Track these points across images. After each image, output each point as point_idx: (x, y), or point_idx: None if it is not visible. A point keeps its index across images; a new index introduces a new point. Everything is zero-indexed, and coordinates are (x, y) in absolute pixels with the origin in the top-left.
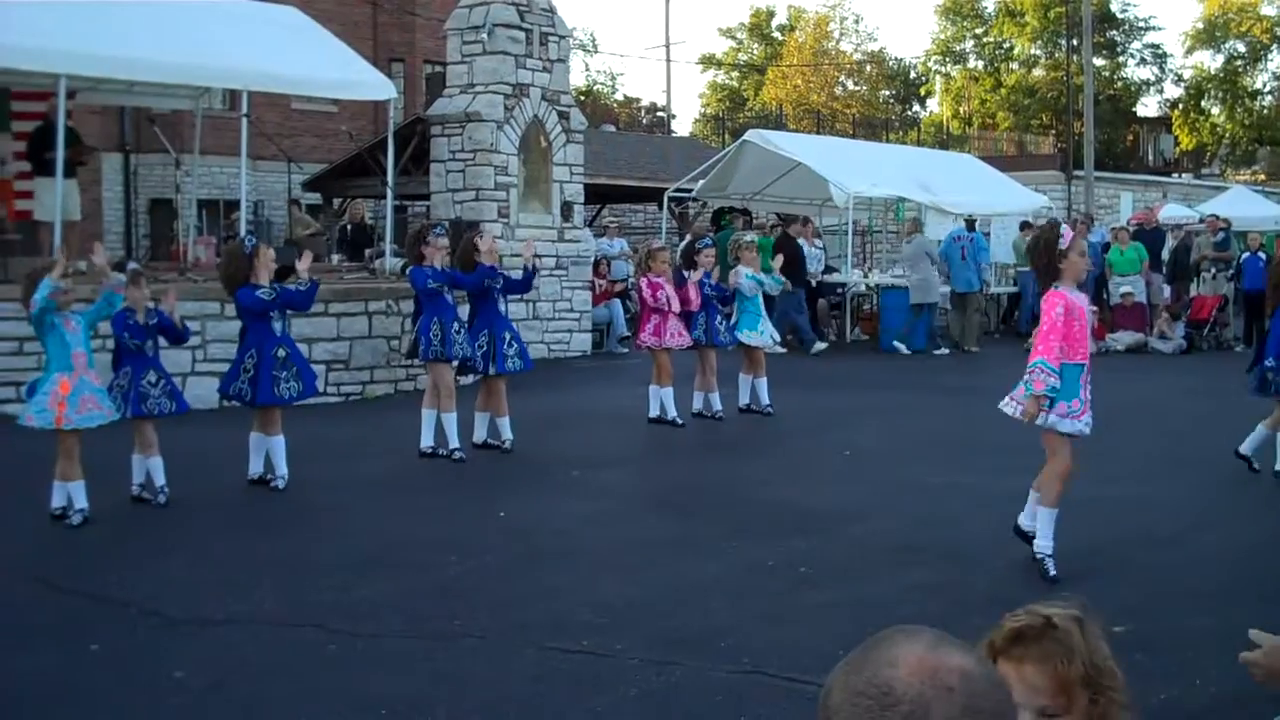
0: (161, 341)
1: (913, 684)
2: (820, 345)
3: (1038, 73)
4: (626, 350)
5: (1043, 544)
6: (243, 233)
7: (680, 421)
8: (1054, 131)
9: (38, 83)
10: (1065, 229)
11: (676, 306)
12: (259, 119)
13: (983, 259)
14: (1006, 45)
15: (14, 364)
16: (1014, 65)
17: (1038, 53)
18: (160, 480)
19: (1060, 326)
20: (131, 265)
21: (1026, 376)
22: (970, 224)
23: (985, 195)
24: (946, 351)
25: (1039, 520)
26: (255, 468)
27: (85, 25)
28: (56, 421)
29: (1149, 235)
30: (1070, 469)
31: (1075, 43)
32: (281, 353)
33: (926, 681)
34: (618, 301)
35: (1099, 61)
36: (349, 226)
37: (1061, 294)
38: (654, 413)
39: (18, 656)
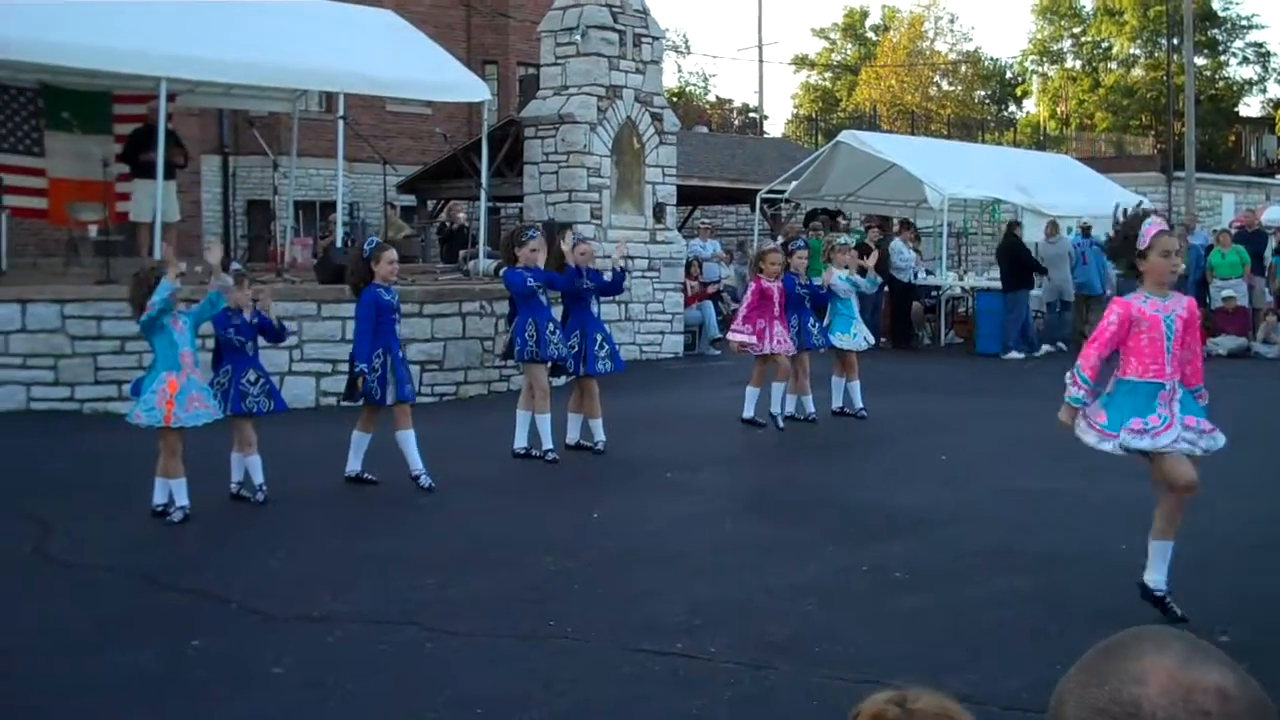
0: (260, 340)
1: (1162, 705)
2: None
3: (1137, 72)
4: (719, 352)
5: (1154, 578)
6: (339, 236)
7: (780, 424)
8: (1153, 132)
9: (138, 86)
10: (1151, 222)
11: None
12: (354, 121)
13: (1106, 262)
14: (1105, 44)
15: (117, 363)
16: (1113, 65)
17: (1137, 52)
18: (259, 478)
19: (1110, 336)
20: (235, 266)
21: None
22: (1086, 230)
23: (1083, 197)
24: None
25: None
26: (354, 465)
27: (185, 29)
28: (165, 419)
29: (1251, 238)
30: (1183, 488)
31: (1176, 41)
32: (402, 353)
33: (1179, 703)
34: (709, 303)
35: (1200, 60)
36: (449, 226)
37: (1126, 302)
38: (749, 413)
39: (120, 651)
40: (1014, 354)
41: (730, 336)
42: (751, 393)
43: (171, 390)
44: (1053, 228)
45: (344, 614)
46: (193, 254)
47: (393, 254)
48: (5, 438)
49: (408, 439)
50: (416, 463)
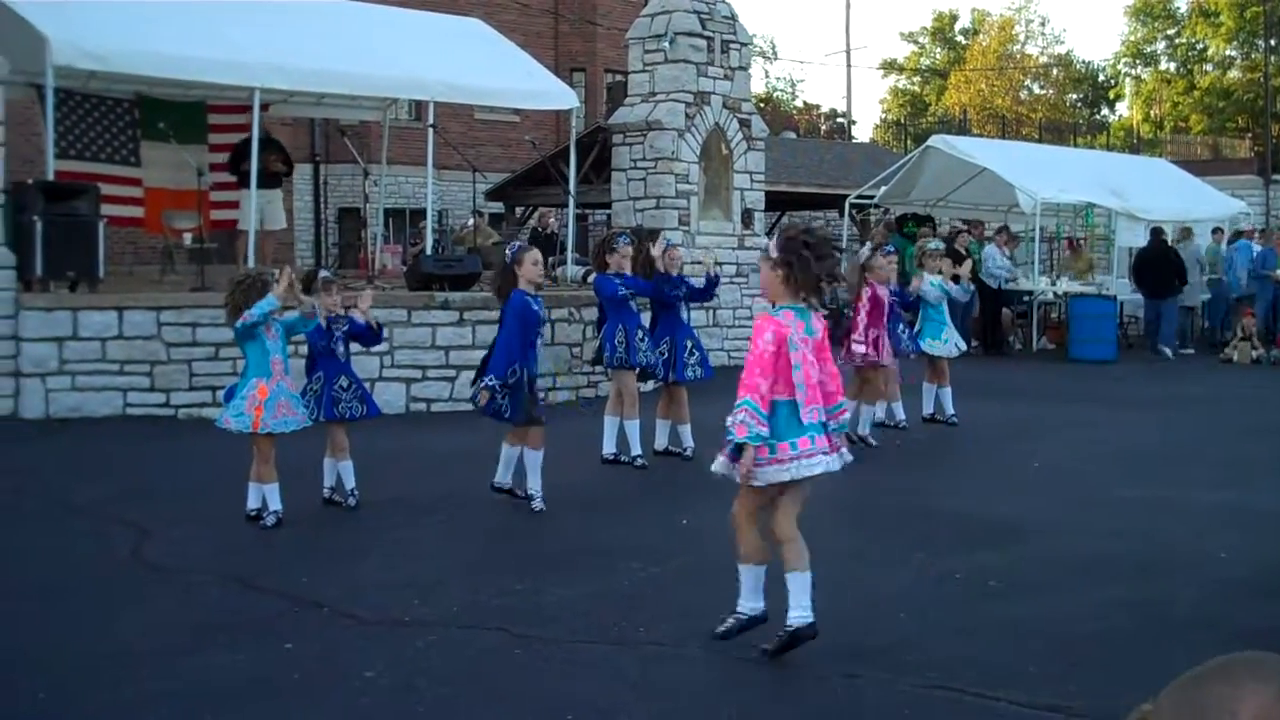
0: (354, 346)
1: None
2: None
3: (1233, 74)
4: None
5: None
6: (429, 243)
7: (873, 441)
8: (1250, 135)
9: (232, 96)
10: None
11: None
12: (444, 129)
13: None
14: (1200, 46)
15: (211, 369)
16: (1208, 67)
17: (1233, 54)
18: (351, 483)
19: None
20: (323, 273)
21: None
22: (1238, 235)
23: (1179, 201)
24: (1192, 352)
25: None
26: (502, 478)
27: (278, 40)
28: (253, 425)
29: None
30: None
31: (1273, 42)
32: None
33: None
34: None
35: None
36: (541, 232)
37: None
38: (863, 430)
39: (216, 654)
40: (1166, 351)
41: (854, 349)
42: (864, 409)
43: (261, 396)
44: (1184, 232)
45: (434, 619)
46: (288, 261)
47: (536, 254)
48: (102, 443)
49: (535, 460)
50: (535, 484)
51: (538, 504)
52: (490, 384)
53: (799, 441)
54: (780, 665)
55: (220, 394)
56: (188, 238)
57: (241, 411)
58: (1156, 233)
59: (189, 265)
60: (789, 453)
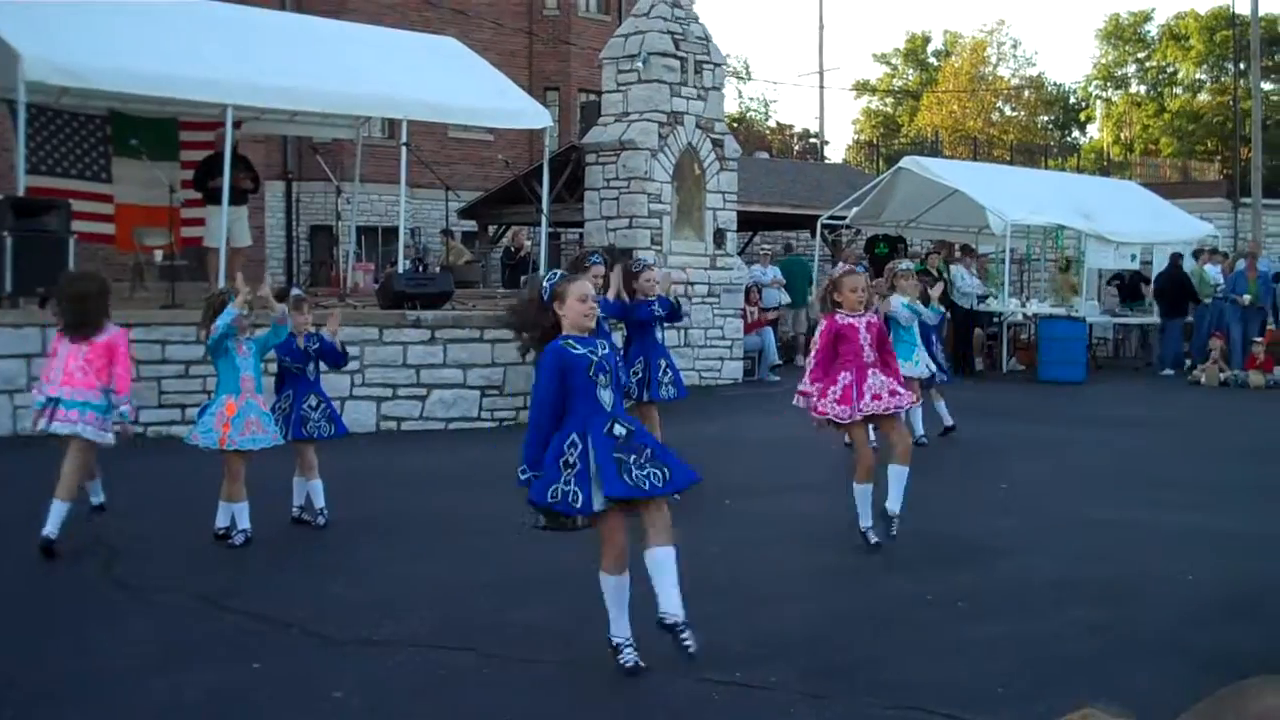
0: (323, 365)
1: None
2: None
3: (1203, 97)
4: (778, 379)
5: None
6: (401, 261)
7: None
8: (1219, 158)
9: (205, 113)
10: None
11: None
12: (416, 147)
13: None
14: (1170, 69)
15: (180, 386)
16: (1178, 90)
17: (1203, 77)
18: (320, 502)
19: None
20: (295, 291)
21: None
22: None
23: (1148, 223)
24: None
25: None
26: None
27: (251, 57)
28: (220, 442)
29: None
30: None
31: (1243, 66)
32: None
33: None
34: (769, 329)
35: (1267, 86)
36: (515, 252)
37: None
38: None
39: (182, 673)
40: (1168, 371)
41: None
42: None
43: (229, 413)
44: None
45: (403, 638)
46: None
47: (585, 287)
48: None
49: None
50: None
51: (688, 641)
52: (520, 479)
53: None
54: (750, 686)
55: (191, 412)
56: (158, 255)
57: (210, 428)
58: (1175, 258)
59: (159, 282)
60: None
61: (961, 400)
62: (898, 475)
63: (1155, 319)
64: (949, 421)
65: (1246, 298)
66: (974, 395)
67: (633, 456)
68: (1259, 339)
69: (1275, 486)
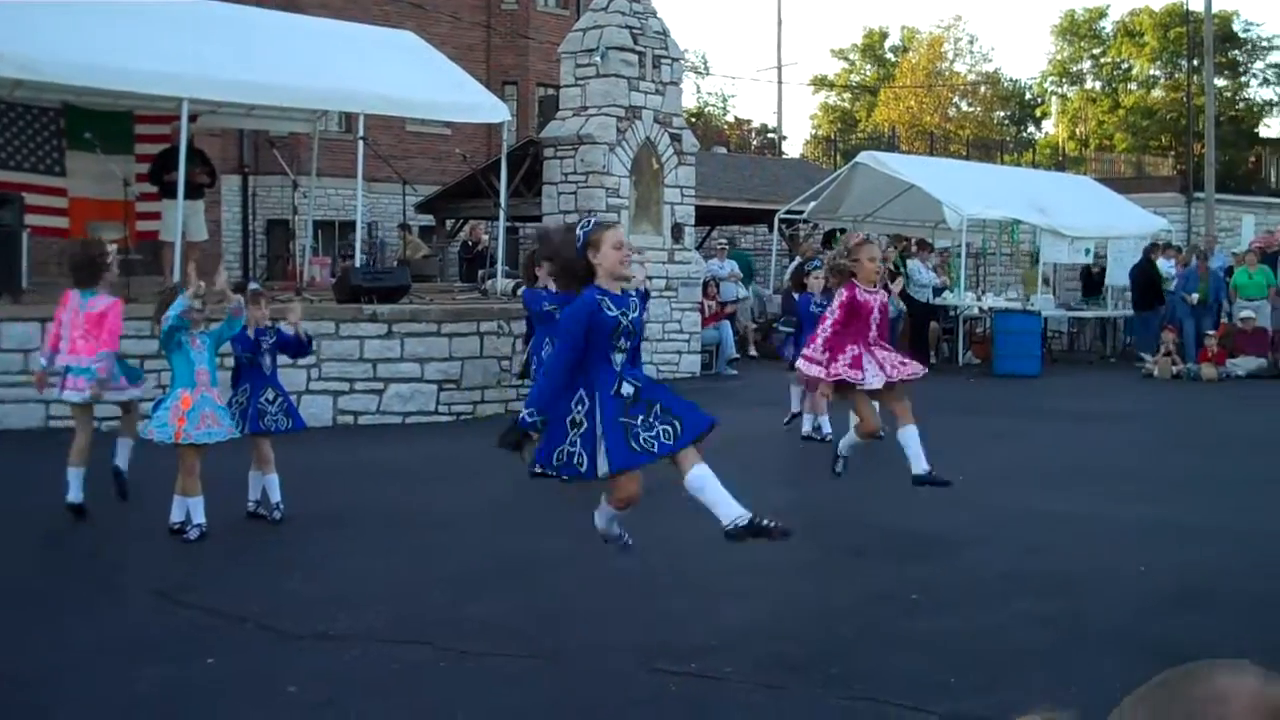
0: (281, 359)
1: None
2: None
3: (1157, 93)
4: (735, 372)
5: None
6: (358, 255)
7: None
8: (1173, 153)
9: (160, 106)
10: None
11: None
12: (374, 141)
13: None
14: (1125, 66)
15: None
16: (1132, 86)
17: (1157, 73)
18: (276, 497)
19: None
20: (252, 285)
21: None
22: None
23: (1102, 217)
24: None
25: None
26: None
27: (207, 50)
28: (175, 436)
29: (1272, 258)
30: None
31: (1196, 63)
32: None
33: None
34: (727, 323)
35: (1220, 82)
36: (473, 246)
37: None
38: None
39: (135, 668)
40: (1148, 358)
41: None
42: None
43: (184, 407)
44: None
45: (359, 633)
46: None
47: (619, 234)
48: (25, 456)
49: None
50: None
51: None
52: (526, 419)
53: None
54: (707, 677)
55: (146, 406)
56: (113, 249)
57: (164, 422)
58: (1148, 251)
59: (115, 277)
60: None
61: (917, 393)
62: (912, 437)
63: (1109, 313)
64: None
65: (1194, 296)
66: (929, 389)
67: (640, 417)
68: (1211, 332)
69: (1226, 478)
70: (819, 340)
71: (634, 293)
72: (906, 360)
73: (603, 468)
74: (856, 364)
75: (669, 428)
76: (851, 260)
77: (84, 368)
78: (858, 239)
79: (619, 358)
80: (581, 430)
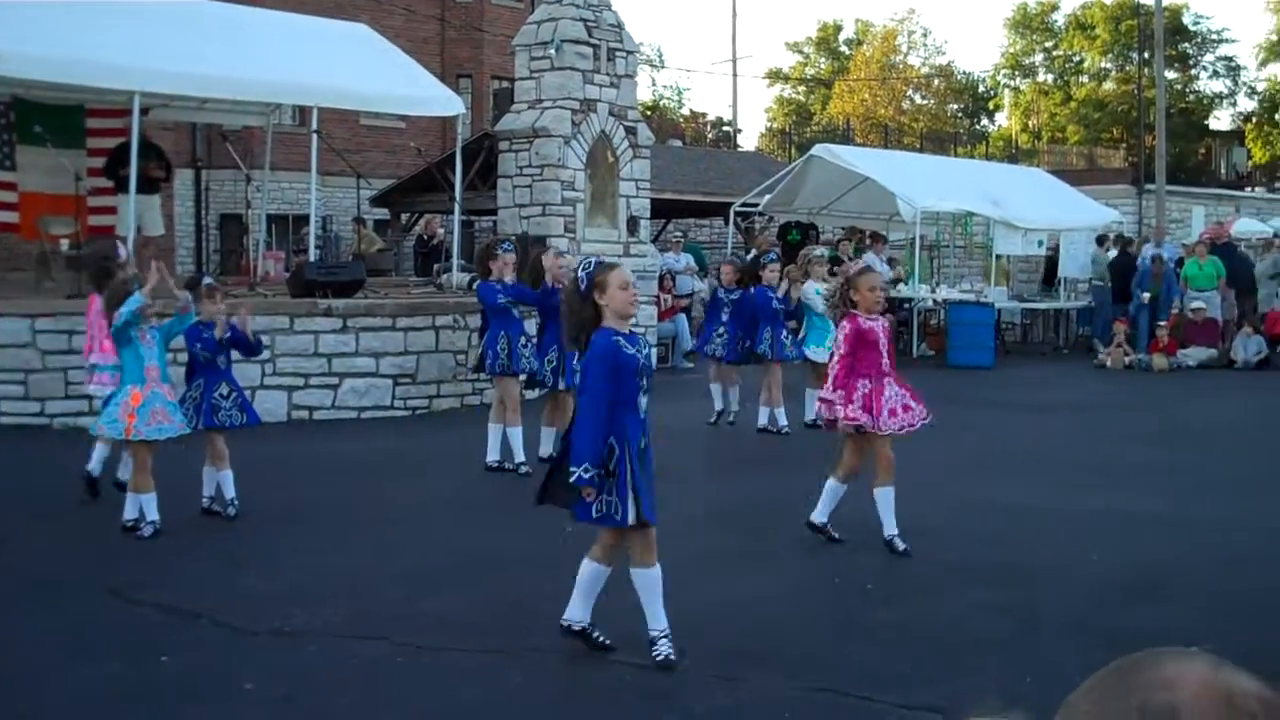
0: (234, 354)
1: (1202, 707)
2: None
3: (1108, 86)
4: (691, 365)
5: None
6: (312, 249)
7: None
8: (1125, 145)
9: (112, 100)
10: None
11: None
12: (328, 135)
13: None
14: (1077, 59)
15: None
16: (1084, 79)
17: (1108, 66)
18: (230, 493)
19: None
20: (206, 280)
21: None
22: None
23: (1055, 209)
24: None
25: None
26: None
27: (159, 44)
28: (126, 433)
29: (1221, 250)
30: None
31: (1147, 56)
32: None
33: (1222, 706)
34: (683, 316)
35: (1171, 75)
36: (428, 240)
37: None
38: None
39: (89, 667)
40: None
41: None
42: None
43: (134, 403)
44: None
45: (315, 629)
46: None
47: (624, 274)
48: None
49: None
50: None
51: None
52: (583, 477)
53: None
54: (662, 670)
55: (97, 403)
56: (64, 244)
57: (115, 419)
58: (1125, 243)
59: (65, 272)
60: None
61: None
62: (885, 499)
63: (1062, 304)
64: (810, 417)
65: (1146, 295)
66: None
67: (646, 472)
68: (1163, 323)
69: (1178, 468)
70: (830, 379)
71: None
72: (912, 404)
73: (632, 513)
74: (868, 405)
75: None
76: (852, 290)
77: (109, 364)
78: (857, 266)
79: (644, 401)
80: (616, 480)
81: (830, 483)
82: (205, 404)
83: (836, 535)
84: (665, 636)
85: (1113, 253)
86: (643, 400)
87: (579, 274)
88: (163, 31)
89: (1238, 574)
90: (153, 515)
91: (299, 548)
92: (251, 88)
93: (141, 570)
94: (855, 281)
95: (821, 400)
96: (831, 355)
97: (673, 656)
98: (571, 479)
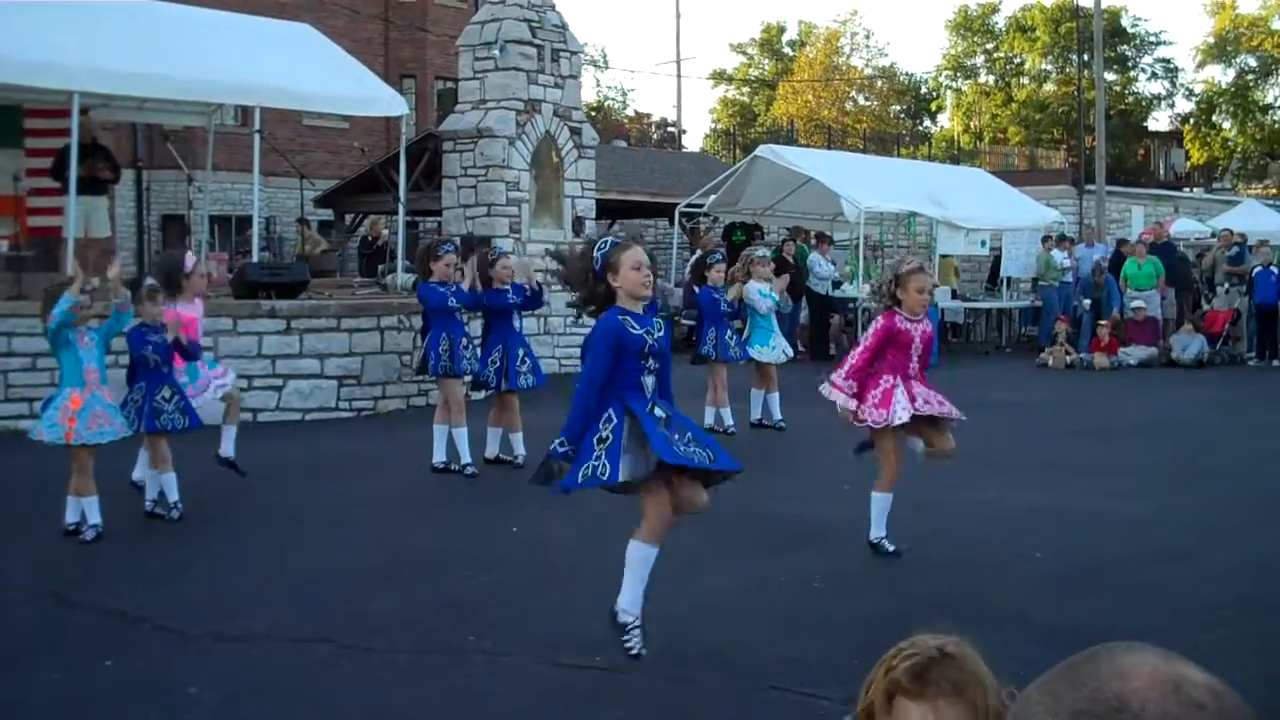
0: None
1: (1153, 698)
2: None
3: (1049, 87)
4: None
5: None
6: (255, 251)
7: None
8: (1065, 146)
9: (51, 99)
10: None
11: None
12: (271, 135)
13: None
14: (1017, 60)
15: (28, 379)
16: (1025, 80)
17: (1049, 68)
18: (174, 496)
19: None
20: (149, 281)
21: None
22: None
23: (997, 210)
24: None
25: None
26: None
27: (99, 42)
28: (66, 437)
29: (1160, 250)
30: None
31: (1086, 58)
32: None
33: (1170, 696)
34: None
35: (1110, 76)
36: (373, 241)
37: None
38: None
39: (30, 672)
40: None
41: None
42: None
43: (74, 406)
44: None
45: (260, 632)
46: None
47: (638, 254)
48: None
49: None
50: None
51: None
52: (558, 450)
53: None
54: (610, 669)
55: (38, 405)
56: (3, 245)
57: (54, 422)
58: (1120, 244)
59: (5, 273)
60: None
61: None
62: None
63: (1005, 304)
64: (778, 417)
65: (1088, 302)
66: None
67: (675, 435)
68: (1103, 322)
69: (1118, 465)
70: (846, 366)
71: (653, 313)
72: (945, 400)
73: (625, 469)
74: (884, 402)
75: (704, 453)
76: (899, 288)
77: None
78: (909, 265)
79: (649, 381)
80: (608, 445)
81: (875, 495)
82: (147, 407)
83: (893, 548)
84: (638, 626)
85: (1056, 253)
86: (647, 380)
87: (594, 254)
88: (102, 30)
89: (1175, 569)
90: (95, 519)
91: (243, 550)
92: (193, 87)
93: (84, 574)
94: (904, 279)
95: (834, 385)
96: (856, 343)
97: (636, 651)
98: (550, 448)
